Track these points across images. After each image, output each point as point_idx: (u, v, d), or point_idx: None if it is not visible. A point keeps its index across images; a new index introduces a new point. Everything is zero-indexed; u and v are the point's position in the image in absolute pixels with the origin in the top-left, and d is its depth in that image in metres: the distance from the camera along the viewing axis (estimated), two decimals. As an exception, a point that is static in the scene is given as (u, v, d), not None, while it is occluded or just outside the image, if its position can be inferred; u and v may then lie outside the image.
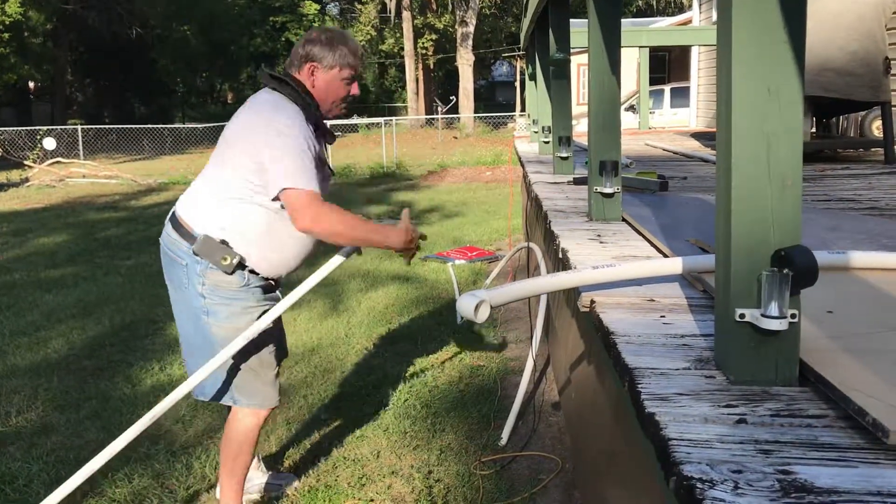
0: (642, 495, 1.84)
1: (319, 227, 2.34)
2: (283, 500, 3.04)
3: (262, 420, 2.74)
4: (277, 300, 2.69)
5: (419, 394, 4.05)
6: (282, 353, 2.88)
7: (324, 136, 2.57)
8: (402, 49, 34.26)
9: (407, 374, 4.31)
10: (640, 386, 1.30)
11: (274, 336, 2.72)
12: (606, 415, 2.40)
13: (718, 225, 1.35)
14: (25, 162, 17.75)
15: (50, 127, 20.61)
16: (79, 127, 21.31)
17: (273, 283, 2.71)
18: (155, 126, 23.06)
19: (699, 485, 0.98)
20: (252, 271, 2.54)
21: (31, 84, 32.80)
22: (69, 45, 31.66)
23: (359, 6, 36.69)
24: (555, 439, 3.56)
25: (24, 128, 20.44)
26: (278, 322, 2.74)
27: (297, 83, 2.46)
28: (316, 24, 38.12)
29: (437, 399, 4.00)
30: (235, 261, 2.45)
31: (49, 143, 18.89)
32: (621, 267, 1.87)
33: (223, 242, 2.45)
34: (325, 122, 2.60)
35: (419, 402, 3.94)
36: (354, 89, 2.52)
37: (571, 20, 5.05)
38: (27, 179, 16.34)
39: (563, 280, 1.86)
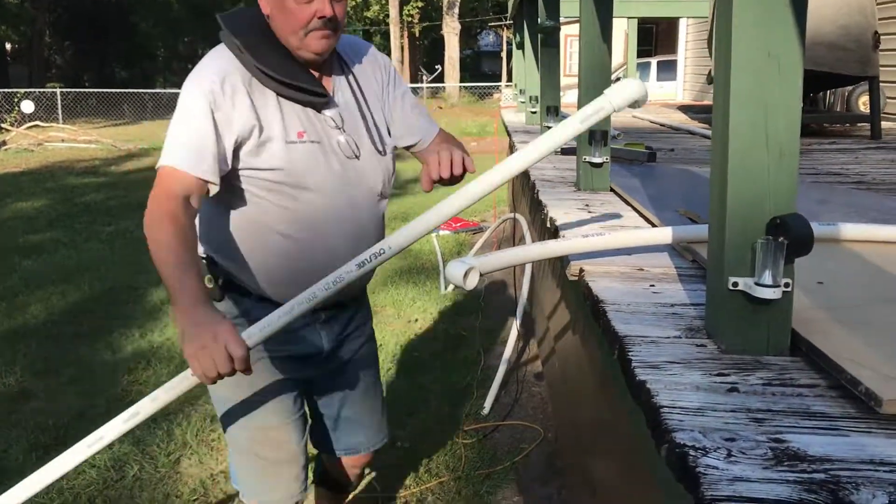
0: (626, 465, 1.84)
1: (146, 219, 1.59)
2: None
3: None
4: (316, 348, 1.87)
5: (402, 362, 4.05)
6: (297, 427, 1.90)
7: (302, 90, 1.66)
8: (388, 16, 33.88)
9: (390, 343, 4.29)
10: (630, 353, 1.29)
11: (275, 394, 1.84)
12: (591, 385, 2.40)
13: (713, 192, 1.33)
14: (2, 125, 17.46)
15: (28, 90, 20.26)
16: (57, 90, 20.99)
17: (310, 318, 1.82)
18: (136, 90, 22.73)
19: (692, 452, 0.97)
20: (252, 294, 1.77)
21: (8, 45, 32.20)
22: (48, 6, 31.05)
23: (344, -28, 36.15)
24: (537, 409, 3.57)
25: (0, 90, 20.08)
26: (290, 369, 1.85)
27: (254, 19, 1.71)
28: (300, -10, 37.50)
29: (421, 368, 3.99)
30: (221, 281, 1.78)
31: (27, 107, 18.58)
32: (612, 235, 1.85)
33: (208, 259, 1.77)
34: (313, 70, 1.71)
35: (402, 371, 3.94)
36: (321, 7, 1.60)
37: (561, -12, 4.98)
38: (4, 143, 16.08)
39: (553, 248, 1.84)
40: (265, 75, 1.61)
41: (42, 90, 21.34)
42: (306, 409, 1.96)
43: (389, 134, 1.86)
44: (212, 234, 1.75)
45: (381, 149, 1.79)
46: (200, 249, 1.73)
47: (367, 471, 2.81)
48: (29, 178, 11.64)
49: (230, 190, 1.67)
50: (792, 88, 1.24)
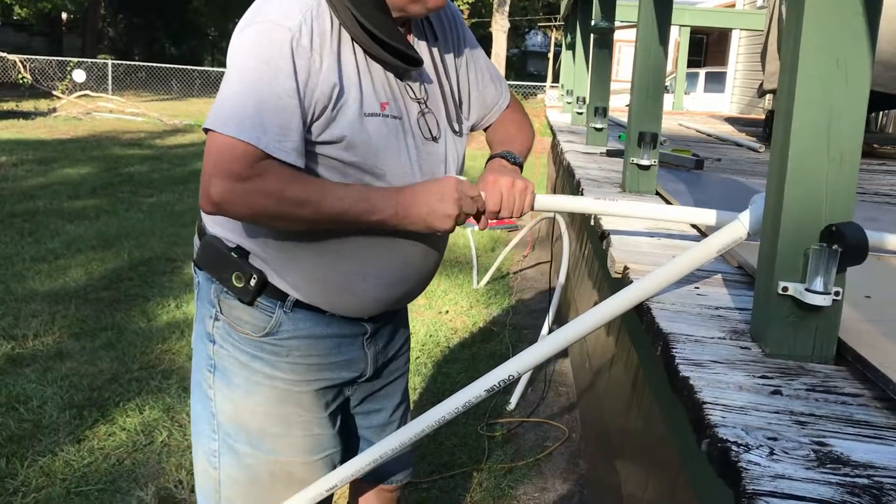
0: (654, 466, 1.84)
1: (231, 206, 1.29)
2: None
3: None
4: (358, 371, 1.57)
5: (431, 353, 4.06)
6: (326, 466, 1.57)
7: (398, 55, 1.35)
8: (437, 11, 33.87)
9: (420, 334, 4.32)
10: (674, 350, 1.29)
11: (308, 427, 1.52)
12: (621, 386, 2.40)
13: (769, 195, 1.32)
14: (54, 92, 17.80)
15: (80, 59, 20.62)
16: (109, 62, 21.32)
17: (357, 331, 1.53)
18: (185, 66, 23.01)
19: (734, 448, 0.97)
20: (296, 304, 1.44)
21: (64, 15, 32.75)
22: (104, -20, 31.57)
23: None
24: (563, 409, 3.57)
25: (54, 58, 20.46)
26: (329, 402, 1.56)
27: None
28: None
29: (449, 360, 4.01)
30: (254, 282, 1.41)
31: (78, 76, 18.94)
32: (638, 205, 1.81)
33: (237, 250, 1.43)
34: (401, 29, 1.41)
35: (430, 362, 3.96)
36: None
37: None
38: (55, 110, 16.41)
39: (566, 203, 1.80)
40: (362, 29, 1.30)
41: (94, 60, 21.71)
42: (339, 446, 1.61)
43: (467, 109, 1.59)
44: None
45: (457, 129, 1.52)
46: (230, 238, 1.44)
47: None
48: (76, 146, 11.86)
49: None
50: (858, 96, 1.23)
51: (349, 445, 1.68)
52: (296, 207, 1.27)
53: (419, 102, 1.43)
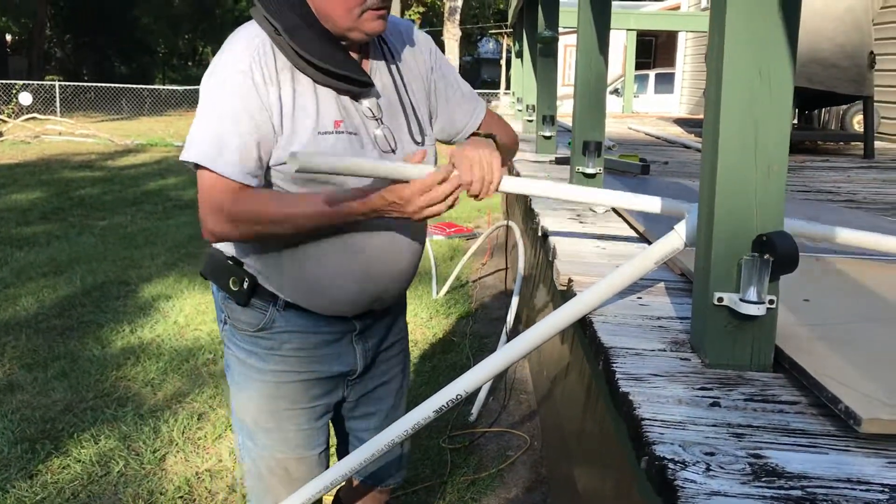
0: (610, 475, 1.85)
1: (217, 232, 1.51)
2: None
3: None
4: (348, 366, 1.71)
5: (391, 366, 4.05)
6: (319, 462, 1.75)
7: (346, 79, 1.50)
8: (389, 20, 33.84)
9: (380, 347, 4.29)
10: (614, 365, 1.29)
11: (298, 423, 1.68)
12: (578, 395, 2.41)
13: (702, 206, 1.34)
14: (0, 116, 17.42)
15: (26, 82, 20.22)
16: (56, 83, 20.94)
17: (345, 329, 1.67)
18: (135, 86, 22.71)
19: (671, 465, 0.98)
20: (285, 304, 1.60)
21: (8, 37, 32.13)
22: (49, -1, 31.02)
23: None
24: (524, 417, 3.58)
25: (-1, 81, 20.04)
26: (317, 395, 1.69)
27: None
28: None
29: (410, 372, 4.00)
30: (246, 285, 1.59)
31: (25, 99, 18.55)
32: (594, 192, 1.82)
33: (233, 259, 1.61)
34: (352, 53, 1.55)
35: (391, 375, 3.94)
36: None
37: (561, -2, 5.00)
38: (1, 134, 16.05)
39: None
40: (306, 62, 1.45)
41: (41, 82, 21.31)
42: (330, 438, 1.77)
43: (432, 124, 1.70)
44: None
45: (419, 140, 1.63)
46: (226, 250, 1.62)
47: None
48: (24, 170, 11.61)
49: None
50: (782, 107, 1.25)
51: (347, 450, 1.84)
52: (276, 225, 1.46)
53: (375, 119, 1.56)
